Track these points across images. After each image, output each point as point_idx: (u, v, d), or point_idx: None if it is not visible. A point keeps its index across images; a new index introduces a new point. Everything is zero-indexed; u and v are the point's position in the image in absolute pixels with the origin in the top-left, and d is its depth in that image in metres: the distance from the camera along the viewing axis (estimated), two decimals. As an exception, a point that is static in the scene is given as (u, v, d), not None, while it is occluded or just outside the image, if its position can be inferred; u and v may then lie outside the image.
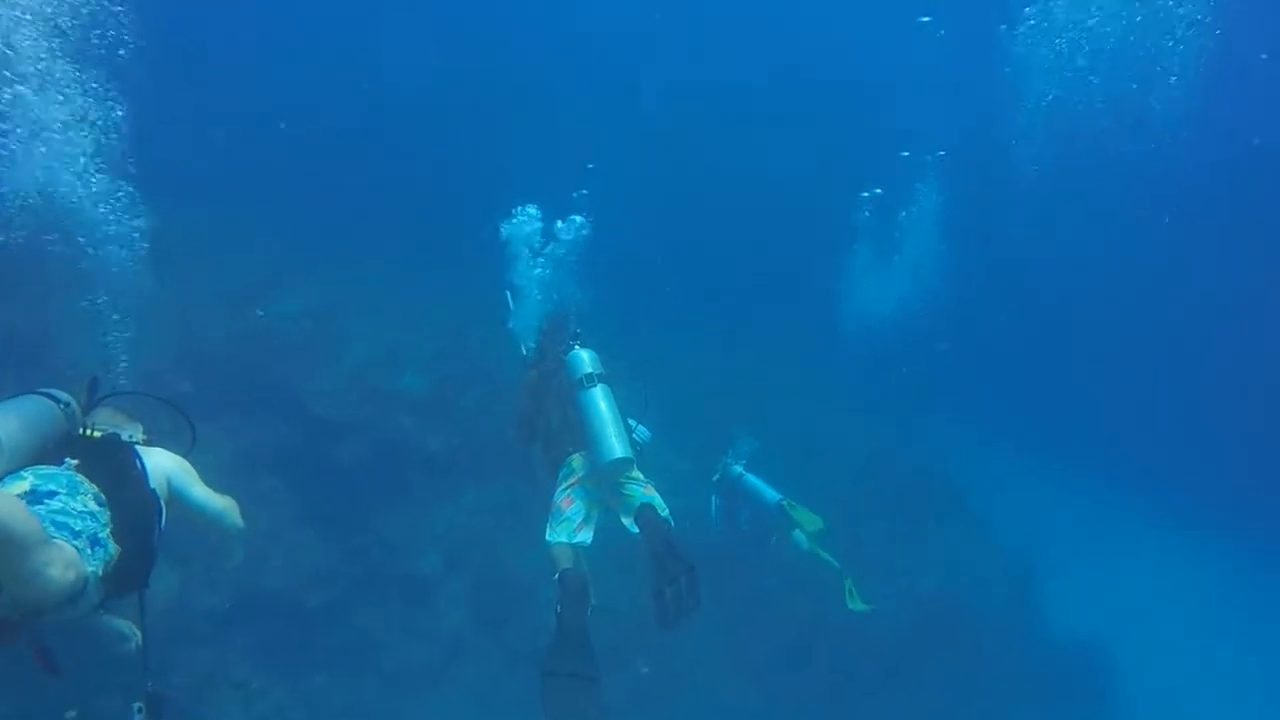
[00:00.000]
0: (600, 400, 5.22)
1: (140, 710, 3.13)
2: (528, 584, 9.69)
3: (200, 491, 3.76)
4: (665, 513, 5.18)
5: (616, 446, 5.08)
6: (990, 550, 14.06)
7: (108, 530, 2.93)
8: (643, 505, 5.13)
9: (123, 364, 7.59)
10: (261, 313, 10.94)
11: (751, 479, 8.60)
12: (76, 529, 2.80)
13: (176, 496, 3.63)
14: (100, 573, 2.82)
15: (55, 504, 2.85)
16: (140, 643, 3.42)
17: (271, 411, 10.14)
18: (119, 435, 3.59)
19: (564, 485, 5.25)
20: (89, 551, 2.76)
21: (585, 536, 5.14)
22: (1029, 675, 12.90)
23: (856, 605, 7.91)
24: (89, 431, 3.46)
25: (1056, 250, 19.65)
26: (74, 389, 3.59)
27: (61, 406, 3.34)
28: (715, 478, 8.74)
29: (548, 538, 5.11)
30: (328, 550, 9.74)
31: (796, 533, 8.31)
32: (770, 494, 8.47)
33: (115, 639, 3.54)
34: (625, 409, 5.30)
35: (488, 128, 17.70)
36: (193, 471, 3.78)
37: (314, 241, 14.13)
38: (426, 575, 10.20)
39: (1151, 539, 20.71)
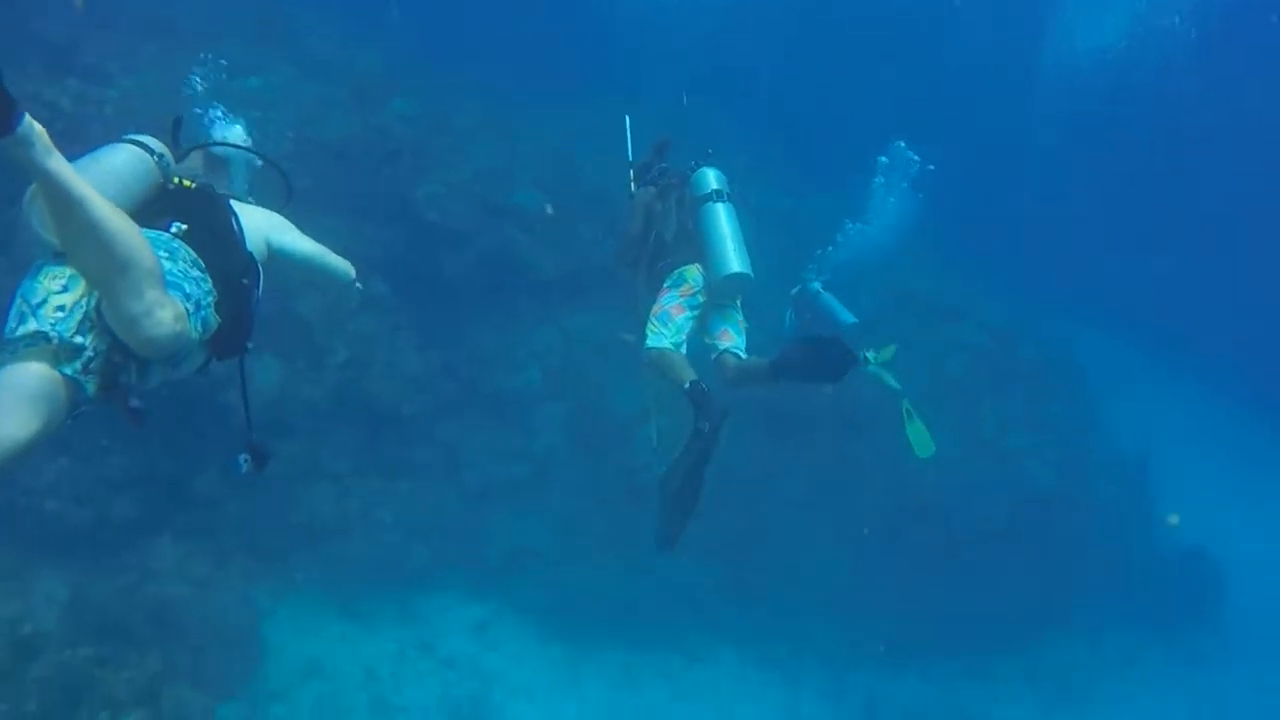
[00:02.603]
0: (724, 215, 5.02)
1: (246, 460, 3.19)
2: (625, 418, 9.47)
3: (304, 244, 3.62)
4: (742, 355, 4.99)
5: (736, 261, 4.90)
6: (1108, 446, 13.33)
7: (211, 300, 2.90)
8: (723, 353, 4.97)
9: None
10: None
11: (829, 298, 8.15)
12: (187, 290, 2.76)
13: (279, 254, 3.49)
14: (198, 338, 2.82)
15: (163, 265, 2.73)
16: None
17: (383, 214, 9.89)
18: (213, 186, 3.35)
19: (677, 292, 4.99)
20: (193, 312, 2.75)
21: (684, 345, 4.95)
22: (1133, 578, 12.38)
23: (923, 447, 7.24)
24: (181, 181, 3.21)
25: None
26: (162, 136, 3.31)
27: (155, 158, 3.12)
28: (794, 291, 8.31)
29: (651, 342, 4.87)
30: (428, 360, 9.67)
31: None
32: (846, 315, 8.00)
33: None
34: (748, 233, 5.06)
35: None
36: (290, 225, 3.60)
37: (435, 46, 13.63)
38: (523, 394, 10.09)
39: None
